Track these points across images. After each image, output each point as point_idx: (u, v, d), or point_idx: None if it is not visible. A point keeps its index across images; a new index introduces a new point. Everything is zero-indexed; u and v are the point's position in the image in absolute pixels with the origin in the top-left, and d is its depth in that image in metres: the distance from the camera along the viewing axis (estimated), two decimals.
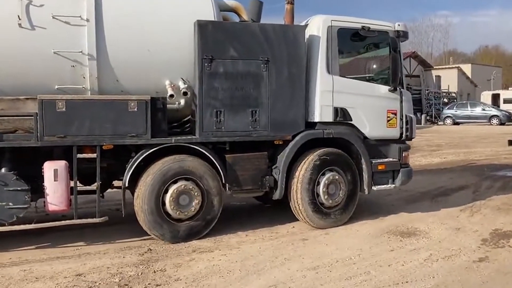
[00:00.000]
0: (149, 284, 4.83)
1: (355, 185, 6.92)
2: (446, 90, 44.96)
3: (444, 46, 76.63)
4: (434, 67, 51.21)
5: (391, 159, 7.14)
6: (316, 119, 6.72)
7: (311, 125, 6.77)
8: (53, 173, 5.77)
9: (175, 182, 6.07)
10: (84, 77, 6.08)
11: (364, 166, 6.90)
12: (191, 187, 6.10)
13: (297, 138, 6.59)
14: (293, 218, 6.98)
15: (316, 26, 6.75)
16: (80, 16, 5.97)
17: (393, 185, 7.15)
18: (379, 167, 6.99)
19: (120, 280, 4.91)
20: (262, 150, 6.56)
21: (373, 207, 8.05)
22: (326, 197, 6.64)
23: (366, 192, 7.01)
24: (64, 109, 5.72)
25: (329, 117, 6.73)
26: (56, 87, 6.00)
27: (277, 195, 6.57)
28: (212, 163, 6.28)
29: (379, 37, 7.02)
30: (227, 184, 6.38)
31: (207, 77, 6.14)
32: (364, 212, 7.53)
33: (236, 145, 6.45)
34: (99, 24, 6.04)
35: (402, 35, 7.14)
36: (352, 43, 7.06)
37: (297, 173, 6.58)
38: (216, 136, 6.25)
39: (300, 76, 6.55)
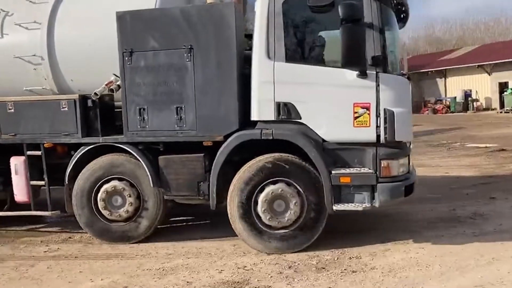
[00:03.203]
0: (345, 269, 4.90)
1: (320, 201, 5.33)
2: None
3: None
4: None
5: (361, 170, 5.21)
6: (254, 117, 5.43)
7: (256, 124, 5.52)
8: (14, 167, 6.38)
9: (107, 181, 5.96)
10: (45, 79, 6.45)
11: (321, 178, 5.24)
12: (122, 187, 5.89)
13: (229, 139, 5.46)
14: (504, 214, 6.54)
15: (258, 1, 5.40)
16: (35, 21, 6.33)
17: (367, 205, 5.17)
18: (342, 180, 5.17)
19: (317, 263, 5.10)
20: (199, 152, 5.70)
21: None
22: (267, 214, 5.34)
23: (328, 210, 5.31)
24: (13, 110, 6.23)
25: (270, 115, 5.33)
26: (24, 89, 6.53)
27: (210, 205, 5.63)
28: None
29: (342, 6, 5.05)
30: (161, 189, 5.83)
31: (128, 72, 5.67)
32: None
33: (174, 146, 5.78)
34: (50, 26, 6.29)
35: (384, 1, 5.05)
36: (306, 17, 5.32)
37: (232, 183, 5.49)
38: (141, 136, 5.75)
39: (230, 64, 5.37)
